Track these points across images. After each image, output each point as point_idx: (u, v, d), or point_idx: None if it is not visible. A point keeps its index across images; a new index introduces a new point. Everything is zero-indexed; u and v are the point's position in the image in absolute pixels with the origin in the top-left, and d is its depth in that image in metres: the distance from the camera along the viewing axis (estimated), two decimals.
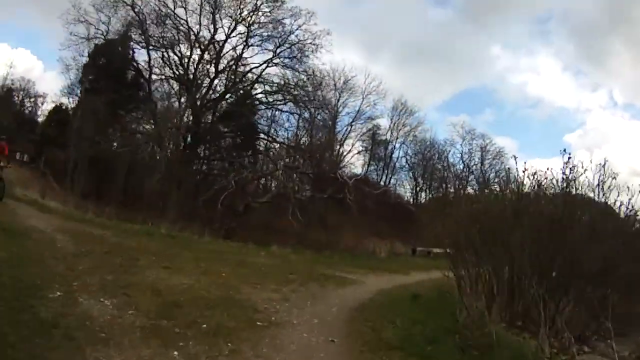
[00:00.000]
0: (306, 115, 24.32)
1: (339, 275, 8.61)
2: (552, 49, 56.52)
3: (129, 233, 11.66)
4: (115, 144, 22.67)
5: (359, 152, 30.82)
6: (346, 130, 29.92)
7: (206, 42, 22.52)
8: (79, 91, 25.34)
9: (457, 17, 56.67)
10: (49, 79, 59.35)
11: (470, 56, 52.48)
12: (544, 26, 59.63)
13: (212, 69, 22.94)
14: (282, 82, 23.19)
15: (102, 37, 21.27)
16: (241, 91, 24.20)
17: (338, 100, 29.52)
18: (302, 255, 12.31)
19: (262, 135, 25.37)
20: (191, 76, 23.04)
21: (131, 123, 24.26)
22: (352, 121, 29.79)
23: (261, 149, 25.34)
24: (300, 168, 22.56)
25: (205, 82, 23.38)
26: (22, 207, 13.20)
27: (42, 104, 34.79)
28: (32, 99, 36.32)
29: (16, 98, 36.85)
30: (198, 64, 22.37)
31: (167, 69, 22.90)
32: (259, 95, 24.23)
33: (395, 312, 5.76)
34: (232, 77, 23.29)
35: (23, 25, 44.40)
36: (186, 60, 22.75)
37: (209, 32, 22.37)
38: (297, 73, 22.69)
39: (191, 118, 22.51)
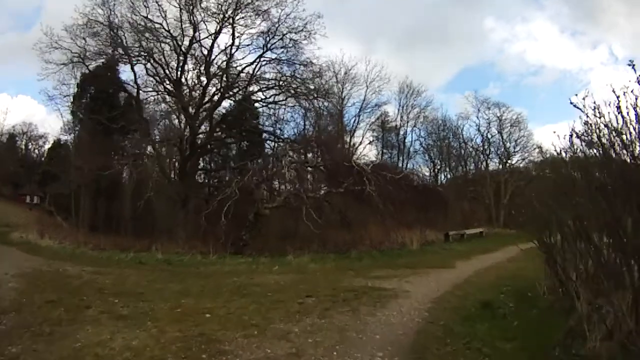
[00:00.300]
0: (309, 106, 22.32)
1: (372, 286, 6.47)
2: (546, 12, 53.50)
3: (119, 264, 10.05)
4: (114, 170, 21.29)
5: (370, 142, 29.22)
6: (354, 121, 28.40)
7: (189, 48, 20.86)
8: (74, 124, 24.47)
9: None
10: (52, 121, 60.41)
11: (466, 32, 50.30)
12: None
13: (204, 78, 21.31)
14: (279, 76, 21.28)
15: (80, 59, 19.87)
16: (238, 95, 22.45)
17: (342, 92, 27.75)
18: (323, 263, 10.20)
19: (267, 137, 23.57)
20: (184, 89, 21.48)
21: (132, 147, 22.99)
22: (359, 111, 28.33)
23: (269, 151, 23.51)
24: (309, 162, 20.46)
25: (198, 90, 21.76)
26: (6, 251, 11.96)
27: (44, 144, 34.43)
28: (34, 142, 36.02)
29: (20, 142, 36.66)
30: (182, 69, 20.72)
31: (158, 85, 21.42)
32: (257, 95, 22.42)
33: (473, 344, 3.62)
34: (225, 79, 21.54)
35: (21, 74, 45.15)
36: (173, 71, 21.16)
37: (194, 37, 20.73)
38: (294, 65, 20.76)
39: (187, 130, 20.85)
